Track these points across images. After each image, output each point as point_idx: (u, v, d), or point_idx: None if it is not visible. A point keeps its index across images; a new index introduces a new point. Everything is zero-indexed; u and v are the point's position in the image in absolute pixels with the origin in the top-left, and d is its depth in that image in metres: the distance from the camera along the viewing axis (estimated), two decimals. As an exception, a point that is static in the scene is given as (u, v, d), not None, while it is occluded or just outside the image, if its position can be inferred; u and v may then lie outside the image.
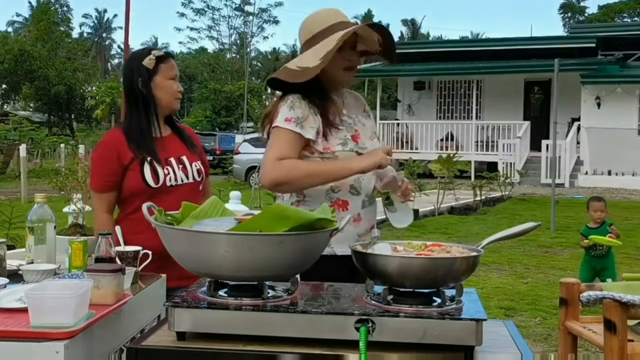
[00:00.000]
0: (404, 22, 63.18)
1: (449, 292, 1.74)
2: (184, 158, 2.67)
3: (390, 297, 1.72)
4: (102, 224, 2.58)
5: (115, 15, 76.41)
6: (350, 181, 2.27)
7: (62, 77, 36.98)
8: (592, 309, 1.74)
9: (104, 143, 2.66)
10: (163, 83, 2.62)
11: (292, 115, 2.22)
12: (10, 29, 52.43)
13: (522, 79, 21.78)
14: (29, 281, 2.09)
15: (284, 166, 2.16)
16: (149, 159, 2.58)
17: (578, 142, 19.36)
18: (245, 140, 20.91)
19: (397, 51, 2.38)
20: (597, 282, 5.24)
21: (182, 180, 2.62)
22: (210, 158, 24.13)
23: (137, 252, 2.25)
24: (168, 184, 2.58)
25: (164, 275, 2.40)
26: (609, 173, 18.81)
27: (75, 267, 2.13)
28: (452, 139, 20.86)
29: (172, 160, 2.63)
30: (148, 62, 2.61)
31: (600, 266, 5.78)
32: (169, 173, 2.60)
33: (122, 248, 2.24)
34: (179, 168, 2.63)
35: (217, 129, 34.10)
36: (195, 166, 2.68)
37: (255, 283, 1.75)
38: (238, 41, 51.50)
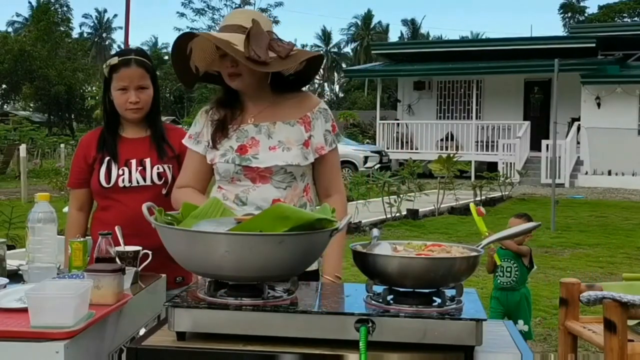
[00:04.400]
0: (404, 22, 63.17)
1: (449, 292, 1.74)
2: (147, 160, 2.61)
3: (390, 297, 1.72)
4: (69, 220, 2.72)
5: (115, 15, 76.45)
6: (237, 191, 2.19)
7: (62, 77, 36.94)
8: (592, 309, 1.74)
9: (79, 142, 2.77)
10: (113, 92, 2.60)
11: (192, 131, 2.33)
12: (10, 29, 52.38)
13: (522, 79, 21.77)
14: (29, 281, 2.09)
15: (173, 197, 2.32)
16: (107, 159, 2.62)
17: (578, 142, 19.35)
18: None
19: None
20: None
21: (138, 182, 2.58)
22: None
23: (137, 252, 2.25)
24: (120, 184, 2.59)
25: (163, 275, 2.40)
26: (609, 173, 18.81)
27: (75, 267, 2.13)
28: (452, 139, 20.85)
29: (133, 162, 2.61)
30: (104, 69, 2.64)
31: (511, 303, 4.34)
32: (123, 174, 2.59)
33: (122, 248, 2.24)
34: (137, 170, 2.60)
35: (217, 129, 33.93)
36: (157, 169, 2.61)
37: (255, 283, 1.75)
38: (238, 41, 51.40)
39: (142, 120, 2.66)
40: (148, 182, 2.59)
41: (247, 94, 2.24)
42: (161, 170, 2.61)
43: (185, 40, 2.16)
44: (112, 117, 2.67)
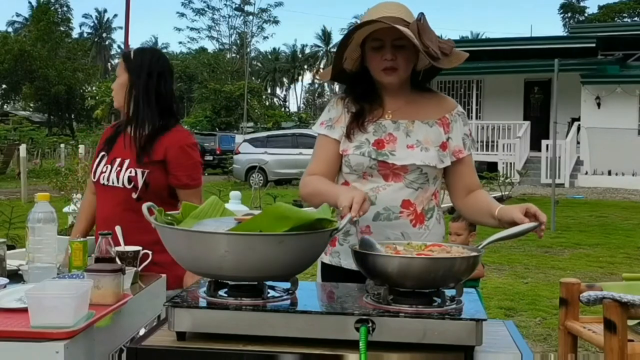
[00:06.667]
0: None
1: (449, 292, 1.74)
2: (126, 162, 2.58)
3: (390, 297, 1.71)
4: (83, 199, 2.87)
5: (115, 15, 76.44)
6: (366, 189, 2.11)
7: (62, 77, 37.01)
8: (592, 309, 1.74)
9: (104, 131, 2.83)
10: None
11: (325, 117, 2.25)
12: (10, 29, 52.45)
13: (522, 79, 21.78)
14: (29, 281, 2.09)
15: (303, 182, 2.21)
16: (102, 153, 2.67)
17: (578, 142, 19.37)
18: (245, 140, 20.90)
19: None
20: None
21: (113, 182, 2.58)
22: (210, 158, 24.13)
23: (137, 252, 2.25)
24: (101, 181, 2.61)
25: (164, 275, 2.40)
26: (609, 173, 18.81)
27: (75, 267, 2.13)
28: (452, 139, 20.84)
29: (118, 160, 2.61)
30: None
31: None
32: (105, 171, 2.61)
33: (122, 248, 2.24)
34: (115, 170, 2.59)
35: (217, 129, 34.06)
36: (130, 172, 2.55)
37: (255, 283, 1.75)
38: (238, 41, 51.51)
39: None
40: (119, 184, 2.57)
41: (389, 89, 2.20)
42: (132, 174, 2.55)
43: (356, 30, 2.06)
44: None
